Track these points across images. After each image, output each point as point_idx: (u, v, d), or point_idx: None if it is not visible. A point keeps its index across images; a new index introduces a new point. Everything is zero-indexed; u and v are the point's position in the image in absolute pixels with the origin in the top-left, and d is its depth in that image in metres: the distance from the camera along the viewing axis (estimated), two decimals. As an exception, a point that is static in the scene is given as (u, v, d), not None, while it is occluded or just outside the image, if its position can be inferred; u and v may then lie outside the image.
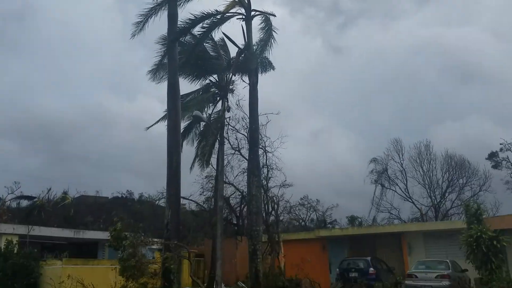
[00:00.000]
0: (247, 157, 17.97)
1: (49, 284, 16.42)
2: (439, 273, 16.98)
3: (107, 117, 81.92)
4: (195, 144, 25.10)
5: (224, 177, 19.18)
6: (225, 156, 18.78)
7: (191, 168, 24.22)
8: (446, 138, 55.46)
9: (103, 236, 22.39)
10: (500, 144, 38.51)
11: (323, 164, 65.56)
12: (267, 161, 19.53)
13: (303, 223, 42.52)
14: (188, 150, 23.49)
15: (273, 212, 19.53)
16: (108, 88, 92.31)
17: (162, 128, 18.19)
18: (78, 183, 55.90)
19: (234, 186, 21.69)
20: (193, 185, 26.67)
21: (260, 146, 17.66)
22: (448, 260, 18.19)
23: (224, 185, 19.16)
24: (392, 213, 40.55)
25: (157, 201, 29.78)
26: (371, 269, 19.14)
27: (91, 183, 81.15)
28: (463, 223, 17.33)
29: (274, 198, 19.21)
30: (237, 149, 19.91)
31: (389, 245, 24.13)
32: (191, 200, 24.78)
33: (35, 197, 36.20)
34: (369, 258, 20.06)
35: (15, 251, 17.47)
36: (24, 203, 37.96)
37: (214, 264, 22.81)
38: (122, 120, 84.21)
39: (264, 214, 18.28)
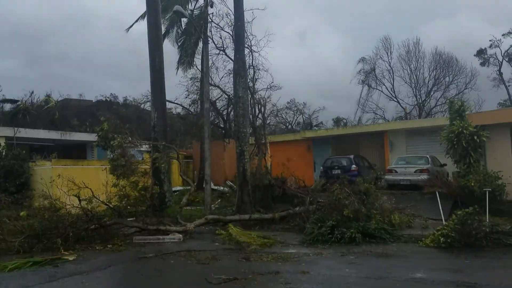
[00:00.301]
0: (232, 58, 17.46)
1: (40, 183, 16.85)
2: (418, 167, 17.78)
3: (84, 16, 77.80)
4: (178, 45, 24.34)
5: (210, 79, 18.83)
6: (209, 57, 18.22)
7: (177, 69, 23.74)
8: (435, 36, 54.74)
9: (91, 138, 22.64)
10: (490, 40, 38.45)
11: (310, 66, 65.09)
12: (253, 62, 19.04)
13: (289, 126, 43.34)
14: (172, 52, 22.80)
15: (259, 115, 19.54)
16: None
17: (142, 27, 17.34)
18: (60, 86, 54.98)
19: (220, 89, 21.48)
20: (178, 87, 26.36)
21: (246, 45, 17.03)
22: (428, 156, 18.95)
23: (210, 87, 18.88)
24: (377, 113, 41.50)
25: (142, 105, 29.63)
26: (353, 166, 19.93)
27: (73, 86, 79.88)
28: (446, 119, 17.67)
29: (261, 100, 19.10)
30: (222, 48, 19.23)
31: (372, 144, 24.95)
32: (176, 103, 24.71)
33: (18, 101, 35.68)
34: (352, 156, 20.79)
35: (4, 154, 17.60)
36: (7, 107, 37.61)
37: (203, 165, 23.54)
38: (100, 20, 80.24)
39: (251, 117, 18.29)
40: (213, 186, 24.01)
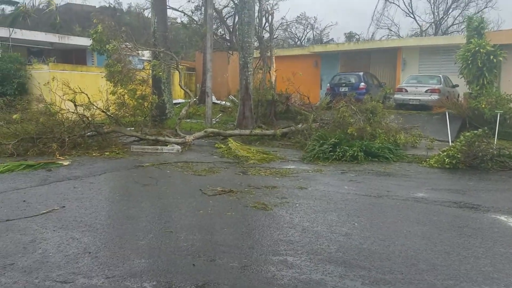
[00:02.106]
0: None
1: (37, 87, 16.44)
2: (430, 87, 17.09)
3: None
4: None
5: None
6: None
7: None
8: None
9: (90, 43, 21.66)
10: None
11: None
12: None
13: (298, 42, 41.60)
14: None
15: (266, 25, 18.32)
16: None
17: None
18: None
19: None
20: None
21: None
22: (440, 75, 18.13)
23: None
24: (391, 30, 39.71)
25: (144, 11, 27.99)
26: (362, 83, 19.20)
27: None
28: (464, 37, 16.57)
29: (268, 7, 17.76)
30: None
31: (384, 62, 23.91)
32: (179, 11, 23.20)
33: (17, 2, 34.04)
34: (361, 73, 19.96)
35: (0, 56, 16.96)
36: (7, 10, 36.06)
37: (206, 77, 22.82)
38: None
39: (257, 26, 17.16)
40: (215, 100, 23.58)
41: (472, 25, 15.39)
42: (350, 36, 40.98)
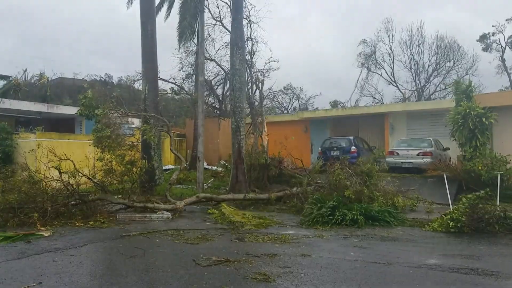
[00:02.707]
0: (229, 29, 16.41)
1: (23, 157, 15.95)
2: (421, 150, 17.02)
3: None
4: (178, 21, 22.97)
5: (205, 51, 17.77)
6: (205, 28, 17.14)
7: (178, 48, 22.37)
8: (438, 21, 53.56)
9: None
10: (493, 26, 37.46)
11: (302, 53, 63.66)
12: (252, 33, 17.95)
13: (285, 111, 42.48)
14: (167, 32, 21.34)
15: (256, 91, 18.54)
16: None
17: (135, 10, 16.15)
18: (54, 66, 53.36)
19: (216, 62, 20.40)
20: (172, 67, 24.95)
21: (244, 15, 15.95)
22: (430, 138, 18.19)
23: (205, 60, 17.84)
24: (375, 98, 40.71)
25: (134, 82, 28.48)
26: (353, 147, 19.13)
27: (66, 66, 78.19)
28: (451, 101, 16.86)
29: (259, 74, 18.08)
30: (219, 19, 18.12)
31: (372, 127, 24.17)
32: (170, 81, 23.54)
33: (9, 76, 34.45)
34: (351, 137, 19.97)
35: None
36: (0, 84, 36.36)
37: (197, 143, 22.64)
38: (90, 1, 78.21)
39: (248, 91, 17.32)
40: (206, 166, 23.18)
41: (460, 88, 15.71)
42: (335, 104, 42.05)
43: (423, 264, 6.26)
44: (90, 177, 10.86)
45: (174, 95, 21.02)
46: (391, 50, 39.23)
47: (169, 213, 10.68)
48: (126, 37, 74.88)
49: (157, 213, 10.75)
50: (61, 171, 10.51)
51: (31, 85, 35.58)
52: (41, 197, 9.69)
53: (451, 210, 10.11)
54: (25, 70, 36.83)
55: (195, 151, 23.24)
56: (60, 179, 10.46)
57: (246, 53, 16.20)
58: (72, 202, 10.37)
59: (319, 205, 10.57)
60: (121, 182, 11.46)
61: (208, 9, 17.91)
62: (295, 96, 39.99)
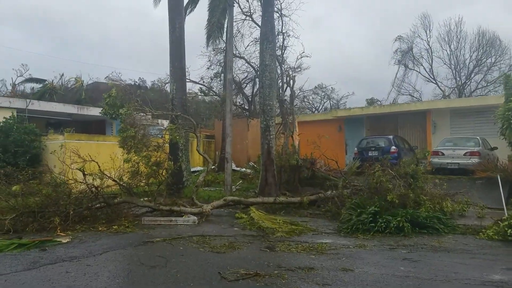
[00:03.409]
0: (259, 24, 15.65)
1: (52, 158, 15.85)
2: (468, 149, 15.70)
3: (106, 3, 77.47)
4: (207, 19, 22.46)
5: (234, 48, 17.09)
6: (234, 23, 16.47)
7: (207, 46, 21.81)
8: (478, 15, 50.99)
9: None
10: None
11: (334, 52, 62.21)
12: (283, 27, 17.02)
13: (316, 112, 41.36)
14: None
15: (287, 89, 17.67)
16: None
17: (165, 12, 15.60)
18: (90, 71, 54.54)
19: (245, 59, 19.63)
20: (201, 66, 24.38)
21: (275, 8, 15.13)
22: (477, 137, 16.80)
23: (234, 58, 17.16)
24: (413, 96, 38.89)
25: (165, 84, 28.28)
26: (393, 147, 17.93)
27: (101, 71, 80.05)
28: (499, 97, 15.45)
29: (290, 71, 17.17)
30: (249, 14, 17.34)
31: (412, 125, 22.82)
32: (199, 83, 23.00)
33: (45, 80, 35.17)
34: (391, 136, 18.76)
35: (15, 127, 16.50)
36: (36, 88, 37.21)
37: (225, 144, 22.05)
38: (121, 5, 79.76)
39: (278, 90, 16.50)
40: (234, 167, 22.53)
41: (510, 83, 14.32)
42: (371, 102, 40.49)
43: (487, 281, 5.29)
44: (115, 179, 10.34)
45: (203, 95, 20.45)
46: (429, 45, 37.33)
47: (195, 217, 10.02)
48: (159, 42, 75.75)
49: (183, 217, 10.12)
50: (85, 172, 10.04)
51: (67, 89, 36.17)
52: (63, 200, 9.24)
53: (508, 215, 8.99)
54: (62, 75, 37.49)
55: (223, 152, 22.68)
56: (84, 181, 9.99)
57: (276, 48, 15.39)
58: (96, 206, 9.89)
59: (358, 210, 9.64)
60: (147, 184, 10.89)
61: (238, 3, 17.12)
62: (326, 96, 38.73)
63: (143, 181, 10.88)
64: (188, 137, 15.61)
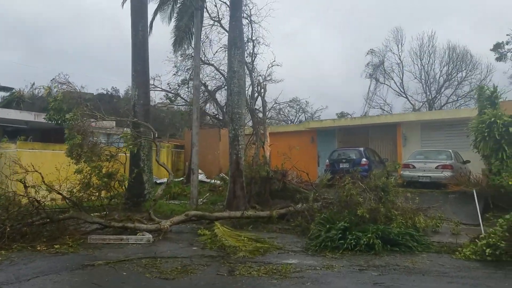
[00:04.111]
0: (228, 29, 14.98)
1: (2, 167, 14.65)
2: (440, 163, 15.35)
3: (82, 12, 75.84)
4: (174, 24, 21.65)
5: (202, 54, 16.35)
6: (203, 29, 15.75)
7: (174, 52, 20.98)
8: (449, 30, 52.13)
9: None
10: (507, 35, 35.85)
11: (306, 67, 62.57)
12: (253, 34, 16.45)
13: (291, 124, 41.06)
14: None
15: (258, 97, 17.01)
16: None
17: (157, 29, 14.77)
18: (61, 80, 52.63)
19: (214, 66, 18.87)
20: (167, 71, 23.43)
21: (245, 14, 14.56)
22: (450, 150, 16.53)
23: (203, 65, 16.41)
24: (384, 109, 39.04)
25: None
26: (364, 159, 17.50)
27: (74, 80, 77.59)
28: (473, 109, 15.25)
29: (260, 79, 16.54)
30: (217, 19, 16.70)
31: (383, 138, 22.54)
32: (166, 90, 22.12)
33: (12, 88, 33.61)
34: (362, 148, 18.36)
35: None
36: (4, 96, 35.62)
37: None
38: (97, 15, 78.24)
39: (248, 98, 15.82)
40: (204, 179, 21.62)
41: (484, 95, 14.10)
42: (342, 115, 40.52)
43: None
44: (60, 191, 9.31)
45: (169, 102, 19.55)
46: (400, 60, 37.66)
47: (150, 235, 9.10)
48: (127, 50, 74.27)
49: (138, 235, 9.18)
50: (27, 184, 9.00)
51: (33, 97, 34.73)
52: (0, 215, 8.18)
53: (487, 233, 8.48)
54: (33, 84, 36.10)
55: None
56: (25, 194, 8.94)
57: (246, 55, 14.75)
58: (37, 222, 8.84)
59: (327, 226, 8.98)
60: (99, 197, 9.91)
61: (206, 9, 16.47)
62: (301, 109, 38.66)
63: (95, 194, 9.88)
64: (151, 146, 14.65)
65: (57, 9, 77.22)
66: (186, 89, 21.11)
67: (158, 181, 20.56)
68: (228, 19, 15.79)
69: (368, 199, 10.22)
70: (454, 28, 52.93)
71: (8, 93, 33.64)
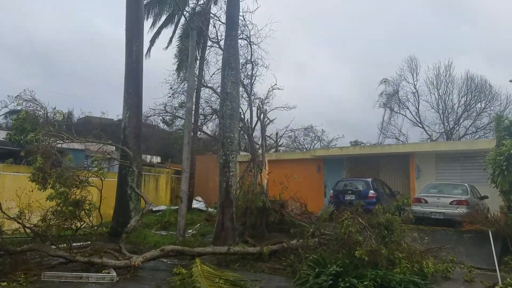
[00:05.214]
0: (224, 50, 14.23)
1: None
2: (455, 198, 13.98)
3: (100, 38, 77.65)
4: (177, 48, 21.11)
5: (196, 74, 15.54)
6: (202, 51, 15.05)
7: (177, 75, 20.45)
8: (467, 61, 50.97)
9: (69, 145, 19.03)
10: (527, 65, 34.54)
11: (316, 96, 62.14)
12: (252, 56, 15.63)
13: (297, 151, 40.01)
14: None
15: (258, 122, 16.00)
16: (102, 8, 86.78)
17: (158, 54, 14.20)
18: (82, 105, 53.27)
19: (212, 89, 18.00)
20: (164, 94, 22.77)
21: (244, 35, 13.82)
22: (466, 184, 15.14)
23: (200, 87, 15.62)
24: (399, 139, 37.61)
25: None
26: (371, 191, 16.23)
27: (95, 105, 79.27)
28: (491, 140, 13.98)
29: (259, 103, 15.59)
30: (216, 40, 16.00)
31: (394, 168, 21.24)
32: (162, 115, 21.44)
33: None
34: (369, 179, 17.10)
35: None
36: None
37: (193, 181, 20.19)
38: (116, 44, 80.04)
39: (246, 122, 14.88)
40: (202, 207, 20.61)
41: (502, 125, 12.86)
42: (355, 144, 39.27)
43: None
44: (18, 219, 8.35)
45: (165, 124, 18.84)
46: (415, 89, 36.48)
47: (115, 274, 7.99)
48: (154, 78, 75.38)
49: (102, 273, 8.11)
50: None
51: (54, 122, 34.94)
52: None
53: (504, 283, 7.17)
54: (54, 108, 36.13)
55: (191, 190, 20.81)
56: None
57: (243, 76, 13.90)
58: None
59: (317, 269, 7.76)
60: (62, 227, 8.92)
61: (204, 29, 15.79)
62: (316, 137, 37.61)
63: (63, 223, 8.90)
64: (140, 171, 13.73)
65: (78, 34, 78.90)
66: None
67: (154, 209, 19.59)
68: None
69: (368, 238, 8.99)
70: (471, 61, 51.79)
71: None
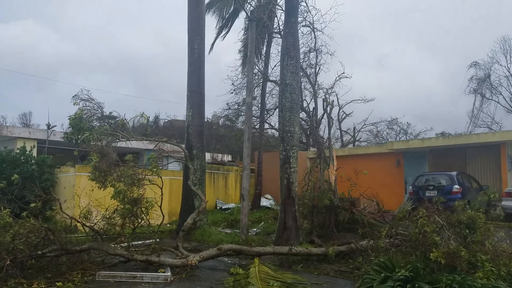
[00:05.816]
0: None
1: (63, 192, 14.83)
2: (556, 191, 12.00)
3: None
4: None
5: (257, 68, 15.05)
6: (265, 44, 14.59)
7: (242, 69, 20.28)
8: None
9: (143, 146, 19.57)
10: None
11: (405, 90, 58.83)
12: (316, 43, 14.72)
13: (372, 145, 37.82)
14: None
15: (324, 114, 15.10)
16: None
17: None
18: (168, 110, 57.09)
19: (275, 82, 17.35)
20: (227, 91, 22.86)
21: (307, 22, 13.04)
22: None
23: (261, 81, 15.16)
24: (492, 129, 33.98)
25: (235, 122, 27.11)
26: (456, 186, 14.56)
27: (179, 110, 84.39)
28: None
29: (325, 93, 14.65)
30: (278, 31, 15.34)
31: (483, 160, 18.98)
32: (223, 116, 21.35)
33: (117, 117, 36.21)
34: (454, 173, 15.38)
35: (23, 158, 15.59)
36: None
37: (261, 178, 19.87)
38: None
39: (310, 114, 14.10)
40: (270, 205, 20.20)
41: None
42: (442, 136, 36.15)
43: None
44: (79, 220, 8.54)
45: (228, 122, 18.66)
46: (509, 72, 32.67)
47: (169, 274, 7.80)
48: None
49: (158, 272, 7.98)
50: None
51: (140, 125, 37.52)
52: (4, 246, 7.55)
53: None
54: (142, 113, 38.93)
55: (259, 188, 20.52)
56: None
57: (306, 66, 13.16)
58: (51, 254, 8.05)
59: (383, 274, 6.85)
60: (122, 226, 8.97)
61: (267, 19, 15.29)
62: (402, 130, 35.33)
63: (121, 221, 8.97)
64: (204, 169, 13.67)
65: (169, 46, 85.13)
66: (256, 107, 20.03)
67: (223, 207, 19.59)
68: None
69: (446, 239, 7.84)
70: None
71: (113, 121, 36.25)
